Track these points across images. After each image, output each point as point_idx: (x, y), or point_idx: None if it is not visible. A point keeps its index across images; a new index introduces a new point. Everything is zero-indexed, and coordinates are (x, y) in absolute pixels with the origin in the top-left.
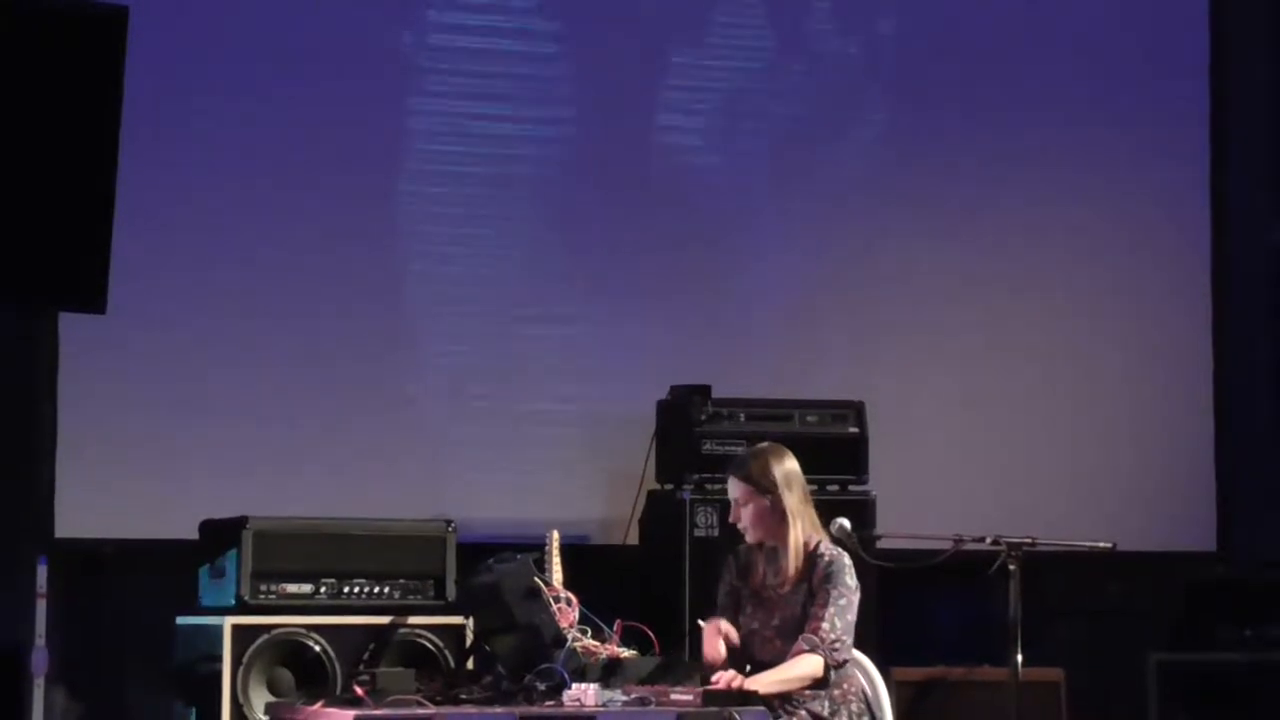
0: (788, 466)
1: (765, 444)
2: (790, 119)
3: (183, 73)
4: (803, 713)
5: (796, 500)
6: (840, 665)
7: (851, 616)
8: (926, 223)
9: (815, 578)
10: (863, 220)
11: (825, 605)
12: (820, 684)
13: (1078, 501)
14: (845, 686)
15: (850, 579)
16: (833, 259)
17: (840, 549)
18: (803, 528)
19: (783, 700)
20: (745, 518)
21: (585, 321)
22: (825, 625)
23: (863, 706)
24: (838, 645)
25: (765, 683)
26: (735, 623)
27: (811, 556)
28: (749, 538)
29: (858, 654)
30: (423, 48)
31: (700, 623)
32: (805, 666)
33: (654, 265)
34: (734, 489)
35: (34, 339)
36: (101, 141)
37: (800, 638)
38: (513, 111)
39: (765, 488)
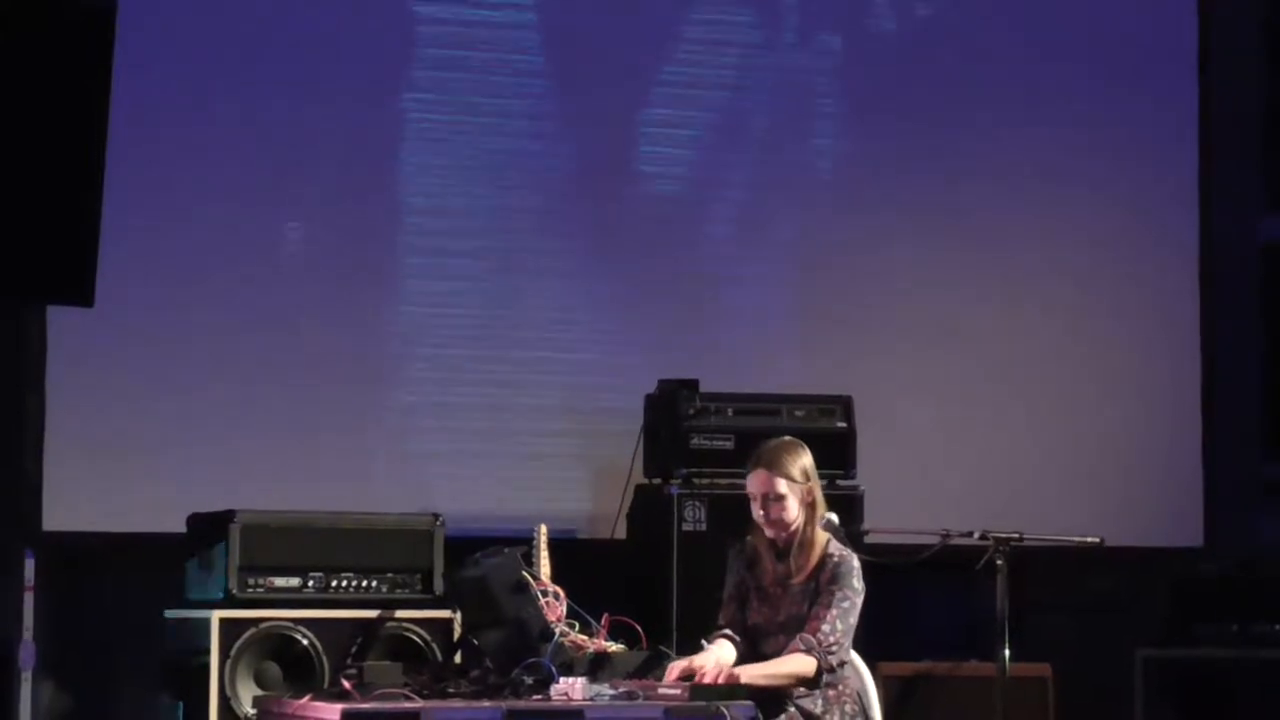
0: (809, 459)
1: (786, 438)
2: (779, 114)
3: (172, 66)
4: (793, 710)
5: (820, 493)
6: (834, 669)
7: (853, 619)
8: (914, 219)
9: (823, 577)
10: (850, 216)
11: (828, 607)
12: (811, 684)
13: (1065, 496)
14: (840, 687)
15: (857, 581)
16: (820, 254)
17: (849, 550)
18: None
19: (774, 697)
20: (780, 512)
21: (573, 315)
22: (825, 627)
23: (857, 708)
24: (833, 648)
25: (753, 674)
26: (741, 615)
27: (821, 554)
28: (775, 532)
29: (854, 655)
30: (413, 46)
31: (705, 642)
32: (796, 665)
33: (642, 260)
34: (768, 485)
35: (21, 332)
36: (90, 134)
37: (798, 636)
38: (502, 112)
39: (800, 480)
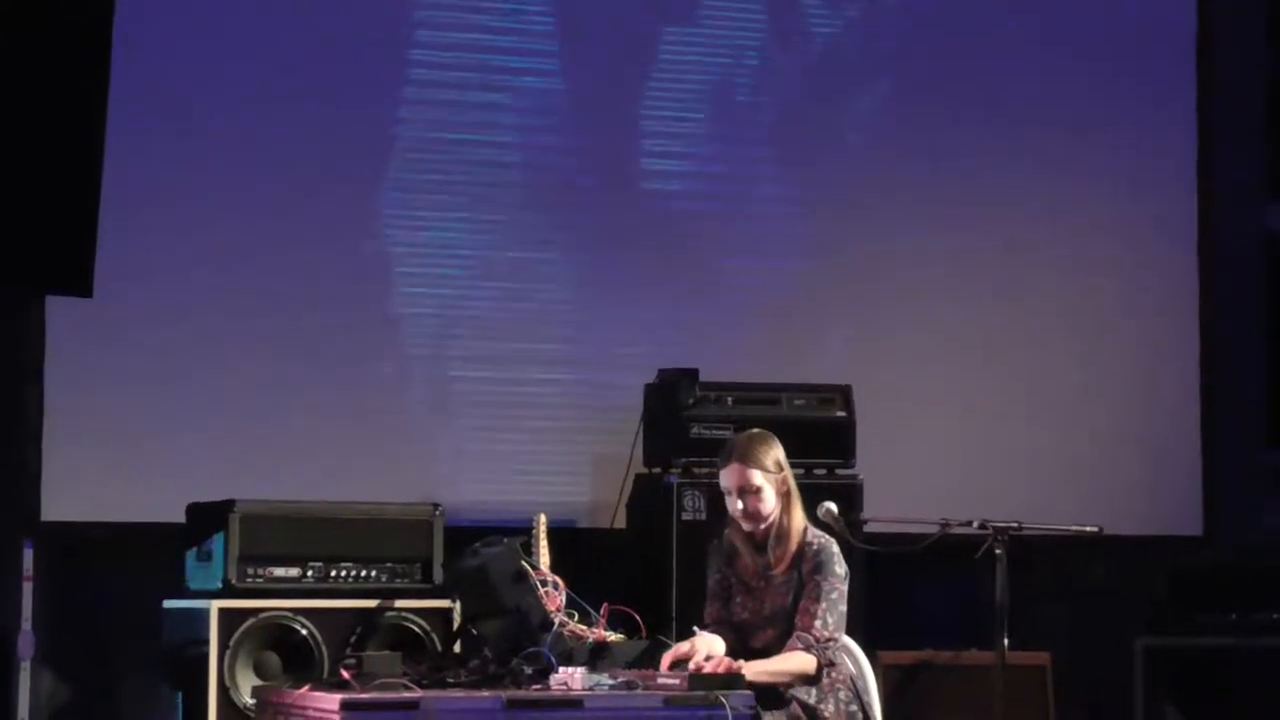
0: (781, 450)
1: (756, 430)
2: (781, 107)
3: (171, 56)
4: (791, 703)
5: (794, 482)
6: (833, 663)
7: (843, 607)
8: (914, 209)
9: (805, 566)
10: (851, 205)
11: (817, 600)
12: (810, 681)
13: (1064, 485)
14: (833, 675)
15: (839, 567)
16: (821, 244)
17: (827, 534)
18: (802, 509)
19: (771, 690)
20: (758, 504)
21: (573, 305)
22: (819, 623)
23: (851, 694)
24: (829, 643)
25: (755, 671)
26: (726, 611)
27: (800, 543)
28: (750, 525)
29: (846, 639)
30: (413, 39)
31: (696, 629)
32: (797, 663)
33: (642, 248)
34: (744, 477)
35: (20, 322)
36: (88, 123)
37: (795, 635)
38: (502, 101)
39: (775, 471)
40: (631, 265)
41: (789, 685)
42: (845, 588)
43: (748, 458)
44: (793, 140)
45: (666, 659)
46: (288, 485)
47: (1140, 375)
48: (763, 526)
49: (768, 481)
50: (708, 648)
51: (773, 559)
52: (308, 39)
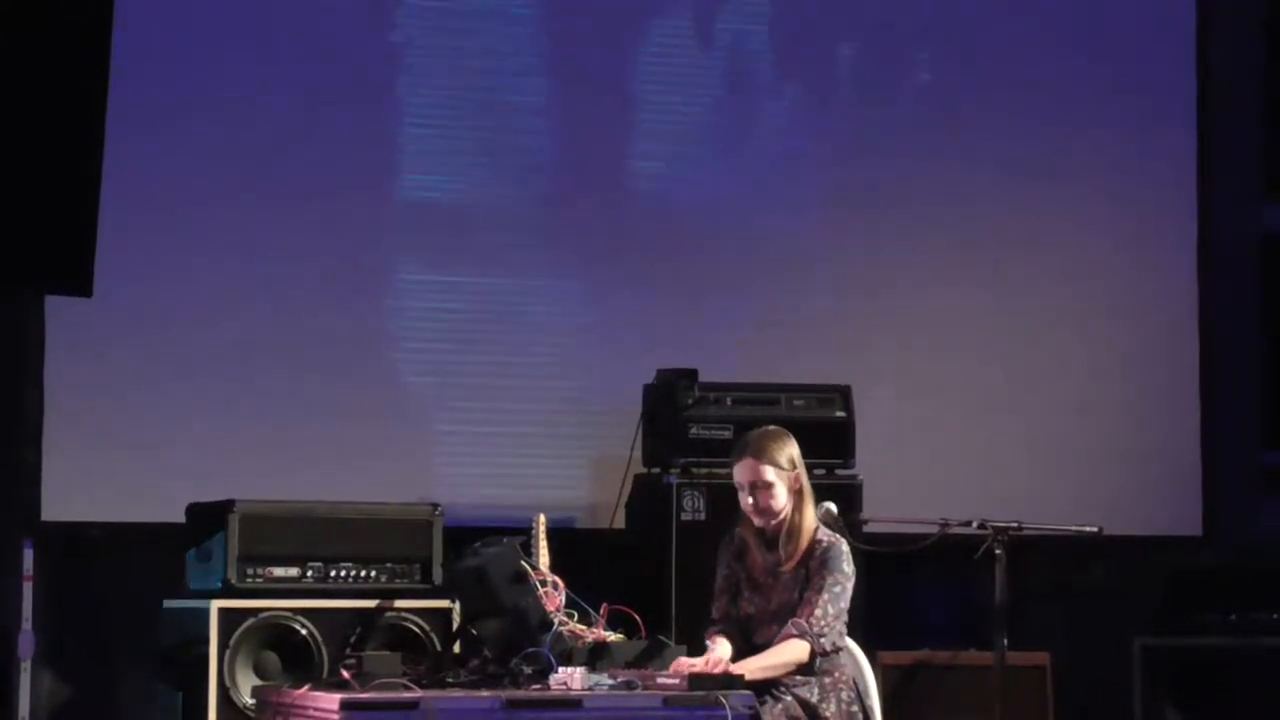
0: (795, 448)
1: (771, 427)
2: (781, 107)
3: (171, 56)
4: (789, 698)
5: (807, 480)
6: (827, 653)
7: (844, 603)
8: (913, 208)
9: (813, 563)
10: (850, 205)
11: (819, 592)
12: (806, 670)
13: (1064, 485)
14: (836, 675)
15: (847, 565)
16: (820, 244)
17: (837, 535)
18: (814, 508)
19: (770, 685)
20: (769, 500)
21: (572, 305)
22: (817, 612)
23: (853, 695)
24: (825, 631)
25: (751, 668)
26: (733, 607)
27: (810, 540)
28: (763, 521)
29: (850, 642)
30: (410, 33)
31: (709, 643)
32: (790, 652)
33: (641, 249)
34: (755, 473)
35: (20, 322)
36: (88, 123)
37: (790, 622)
38: (500, 98)
39: (788, 468)
40: (631, 265)
41: (787, 675)
42: (850, 586)
43: (761, 453)
44: (791, 140)
45: (679, 667)
46: (287, 485)
47: (1140, 376)
48: (774, 522)
49: (780, 478)
50: (716, 657)
51: (783, 555)
52: (307, 40)
